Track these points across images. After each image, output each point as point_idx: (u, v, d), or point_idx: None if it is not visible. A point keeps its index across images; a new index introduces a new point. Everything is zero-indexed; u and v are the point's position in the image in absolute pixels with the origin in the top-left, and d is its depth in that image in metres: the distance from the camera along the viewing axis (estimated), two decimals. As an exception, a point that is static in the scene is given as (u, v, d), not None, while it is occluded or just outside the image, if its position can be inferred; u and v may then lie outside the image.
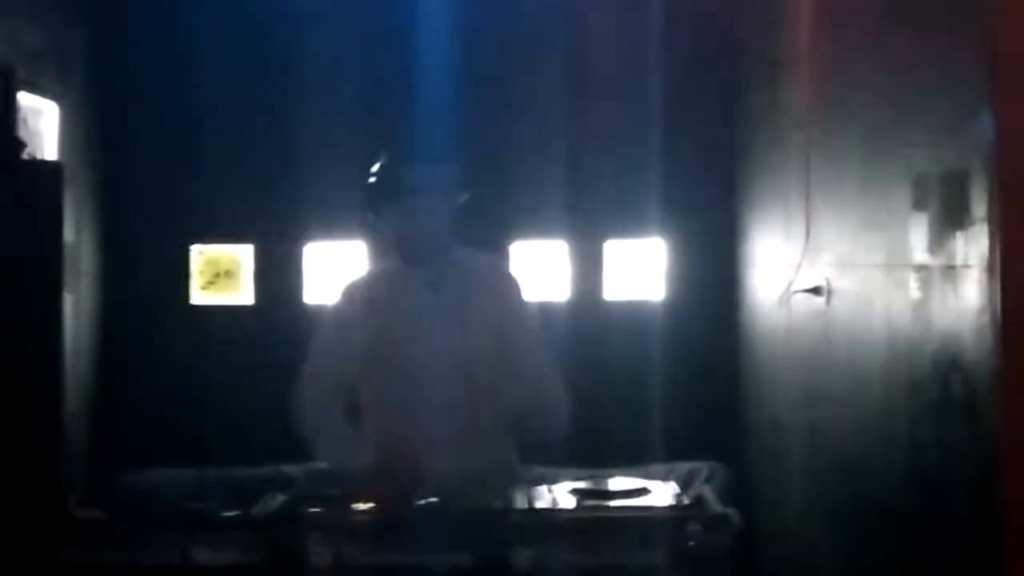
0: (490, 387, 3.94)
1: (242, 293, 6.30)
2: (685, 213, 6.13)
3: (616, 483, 3.75)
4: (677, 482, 4.20)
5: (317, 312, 6.10)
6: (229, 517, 3.53)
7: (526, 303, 4.14)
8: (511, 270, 4.32)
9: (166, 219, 6.19)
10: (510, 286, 4.15)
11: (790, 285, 4.87)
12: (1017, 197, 3.00)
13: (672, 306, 6.17)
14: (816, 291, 4.55)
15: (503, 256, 5.01)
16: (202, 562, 3.39)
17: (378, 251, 5.57)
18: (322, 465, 4.15)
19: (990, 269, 3.02)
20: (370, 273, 4.35)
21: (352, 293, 4.21)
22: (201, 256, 6.29)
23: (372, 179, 4.11)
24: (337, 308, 4.20)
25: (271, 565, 3.40)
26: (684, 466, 5.66)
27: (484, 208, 4.76)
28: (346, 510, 3.55)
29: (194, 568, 3.39)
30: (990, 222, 3.04)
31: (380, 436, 3.97)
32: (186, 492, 4.46)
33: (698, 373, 6.01)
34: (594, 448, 5.37)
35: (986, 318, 3.04)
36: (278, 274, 6.25)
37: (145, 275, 6.18)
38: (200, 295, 6.30)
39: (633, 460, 5.27)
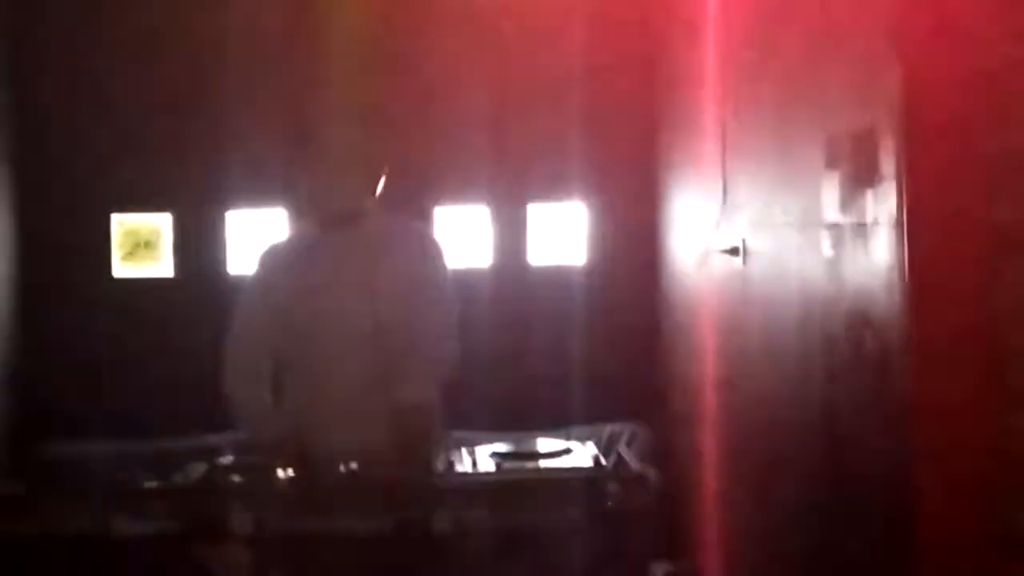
0: (402, 351, 3.92)
1: (162, 263, 6.25)
2: (605, 177, 6.15)
3: (537, 445, 3.78)
4: (599, 444, 4.23)
5: (239, 281, 6.10)
6: (150, 487, 3.52)
7: (439, 266, 4.12)
8: (428, 233, 4.30)
9: (85, 190, 6.12)
10: (424, 249, 4.14)
11: (708, 246, 4.91)
12: (924, 155, 3.05)
13: (593, 269, 6.20)
14: (733, 252, 4.59)
15: (423, 221, 4.98)
16: (123, 532, 3.37)
17: (298, 216, 5.54)
18: (245, 436, 4.13)
19: (898, 226, 3.07)
20: (288, 238, 4.34)
21: (269, 259, 4.19)
22: (121, 227, 6.24)
23: (291, 144, 4.10)
24: (256, 275, 4.19)
25: (192, 533, 3.40)
26: (606, 428, 5.70)
27: (405, 173, 4.77)
28: (266, 478, 3.55)
29: (115, 538, 3.37)
30: (898, 180, 3.08)
31: (294, 407, 3.98)
32: (108, 463, 4.44)
33: (619, 335, 6.05)
34: (517, 412, 5.41)
35: (895, 274, 3.09)
36: (198, 244, 6.21)
37: (66, 247, 6.12)
38: (120, 267, 6.24)
39: (556, 423, 5.31)
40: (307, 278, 4.04)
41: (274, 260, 4.17)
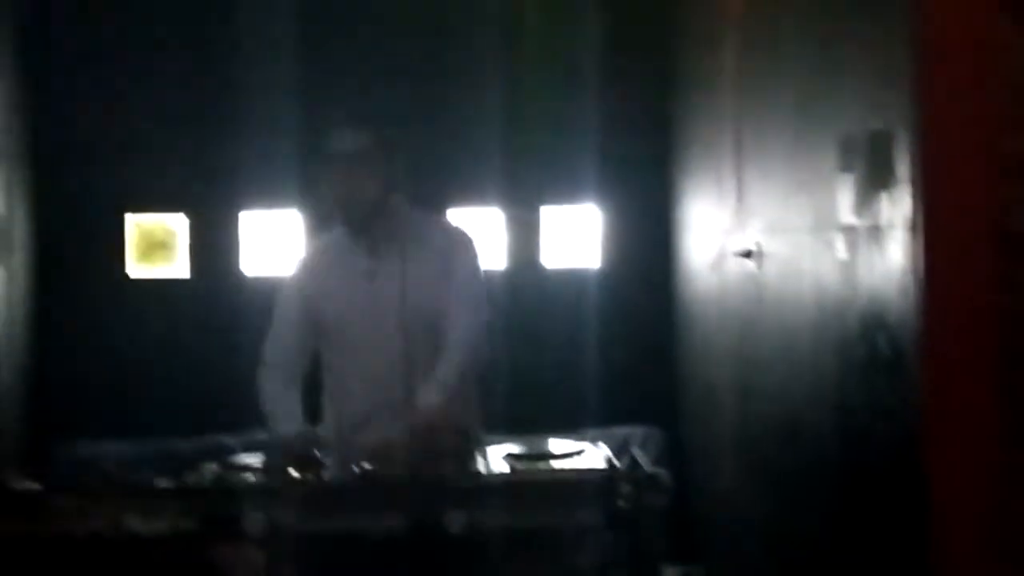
0: (434, 350, 3.94)
1: (177, 264, 6.26)
2: (620, 180, 6.15)
3: (550, 447, 3.77)
4: (613, 447, 4.22)
5: (255, 282, 6.11)
6: (163, 487, 3.52)
7: (470, 259, 4.14)
8: (459, 228, 4.31)
9: (100, 190, 6.14)
10: (454, 243, 4.15)
11: (722, 249, 4.91)
12: (939, 158, 3.05)
13: (607, 272, 6.20)
14: (748, 255, 4.59)
15: (452, 218, 5.00)
16: (136, 531, 3.38)
17: (327, 218, 5.55)
18: (270, 436, 4.15)
19: (913, 229, 3.07)
20: (322, 241, 4.36)
21: (305, 263, 4.25)
22: (136, 228, 6.25)
23: (312, 145, 4.13)
24: (292, 279, 4.23)
25: (205, 533, 3.40)
26: (620, 431, 5.70)
27: (419, 175, 4.77)
28: (280, 478, 3.55)
29: (128, 537, 3.38)
30: (913, 183, 3.08)
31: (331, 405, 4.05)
32: (123, 463, 4.45)
33: (634, 338, 6.05)
34: (531, 414, 5.40)
35: (909, 277, 3.08)
36: (213, 245, 6.22)
37: (81, 248, 6.14)
38: (135, 267, 6.26)
39: (569, 426, 5.30)
40: (337, 279, 4.07)
41: (309, 263, 4.21)
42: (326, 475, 3.63)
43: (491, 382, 4.22)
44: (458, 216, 6.12)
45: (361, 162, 3.99)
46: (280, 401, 4.02)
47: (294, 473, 3.57)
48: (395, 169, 4.07)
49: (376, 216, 4.05)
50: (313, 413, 4.12)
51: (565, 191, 6.22)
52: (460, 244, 4.15)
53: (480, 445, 3.88)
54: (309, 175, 4.15)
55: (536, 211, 6.24)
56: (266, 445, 4.15)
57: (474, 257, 4.14)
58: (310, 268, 4.21)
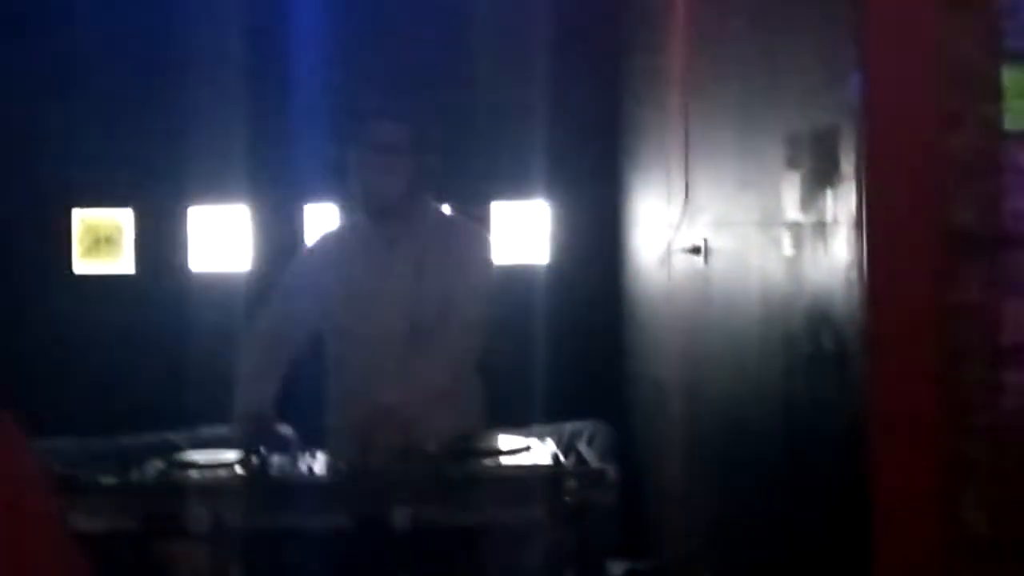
0: (432, 345, 3.95)
1: (123, 260, 6.21)
2: (569, 176, 6.16)
3: (496, 442, 3.77)
4: (560, 442, 4.23)
5: (202, 277, 6.08)
6: (106, 483, 3.49)
7: (484, 261, 4.16)
8: (477, 228, 4.34)
9: (45, 185, 6.08)
10: (471, 243, 4.17)
11: (670, 245, 4.92)
12: (883, 155, 3.06)
13: (556, 267, 6.21)
14: (695, 251, 4.60)
15: (474, 218, 5.00)
16: (79, 528, 3.35)
17: (345, 206, 5.53)
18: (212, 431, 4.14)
19: (857, 225, 3.08)
20: (338, 228, 4.38)
21: (319, 246, 4.28)
22: (81, 222, 6.20)
23: (341, 133, 4.13)
24: (304, 259, 4.25)
25: (149, 530, 3.38)
26: (567, 426, 5.71)
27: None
28: (225, 474, 3.53)
29: (70, 534, 3.34)
30: (857, 179, 3.10)
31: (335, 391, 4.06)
32: (66, 459, 4.42)
33: (582, 333, 6.06)
34: (485, 410, 5.39)
35: (854, 273, 3.10)
36: (160, 240, 6.18)
37: (25, 243, 6.08)
38: (81, 263, 6.20)
39: (517, 421, 5.30)
40: (351, 266, 4.07)
41: (326, 244, 4.25)
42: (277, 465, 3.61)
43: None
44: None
45: (397, 154, 3.99)
46: (254, 384, 4.00)
47: (239, 469, 3.55)
48: (424, 164, 4.08)
49: (401, 209, 4.06)
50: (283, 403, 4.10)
51: (514, 187, 6.22)
52: (476, 244, 4.17)
53: (473, 442, 3.88)
54: (337, 161, 4.13)
55: (485, 207, 6.23)
56: (212, 440, 4.15)
57: (487, 257, 4.15)
58: (325, 252, 4.22)
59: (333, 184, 5.47)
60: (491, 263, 4.20)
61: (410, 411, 3.72)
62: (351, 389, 4.05)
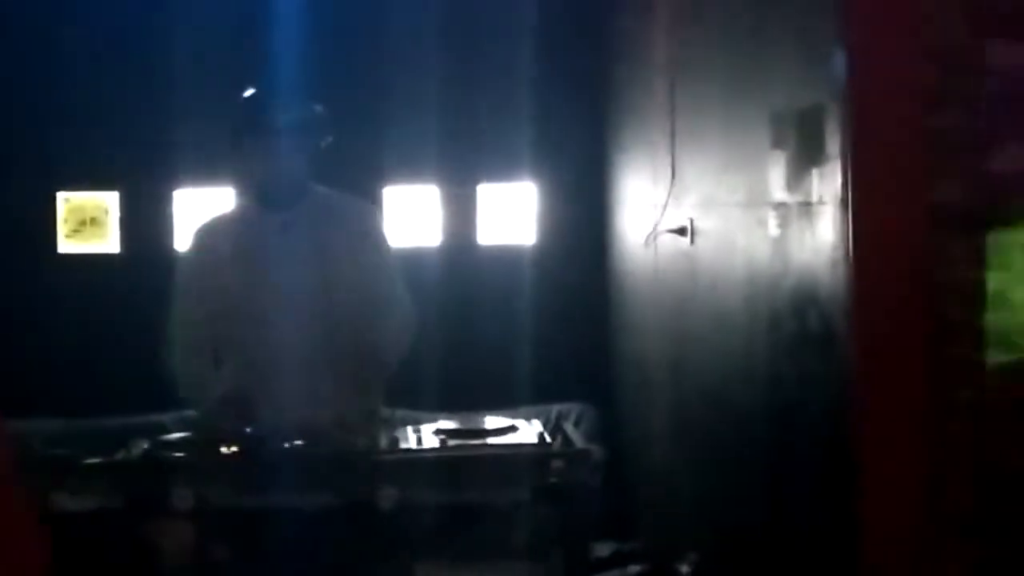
0: (345, 326, 3.91)
1: (108, 241, 6.20)
2: (555, 157, 6.15)
3: (481, 423, 3.76)
4: (546, 424, 4.22)
5: (176, 258, 6.07)
6: (90, 463, 3.48)
7: (380, 235, 4.12)
8: (368, 205, 4.29)
9: (31, 167, 6.06)
10: (364, 220, 4.13)
11: (656, 226, 4.92)
12: (869, 134, 3.07)
13: (542, 248, 6.20)
14: (681, 231, 4.60)
15: (364, 197, 4.95)
16: (64, 508, 3.35)
17: (238, 191, 5.49)
18: (190, 412, 4.12)
19: (843, 204, 3.08)
20: (225, 215, 4.30)
21: (204, 236, 4.16)
22: (66, 203, 6.18)
23: (234, 116, 4.06)
24: (193, 250, 4.16)
25: (133, 510, 3.37)
26: (554, 407, 5.71)
27: (355, 152, 4.74)
28: (209, 454, 3.52)
29: (55, 514, 3.34)
30: (843, 159, 3.10)
31: (237, 382, 3.99)
32: (52, 440, 4.40)
33: (568, 314, 6.06)
34: (465, 391, 5.39)
35: (840, 252, 3.10)
36: (146, 222, 6.16)
37: (11, 224, 6.06)
38: (66, 243, 6.18)
39: (503, 403, 5.29)
40: (249, 253, 4.02)
41: (212, 235, 4.14)
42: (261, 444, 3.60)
43: (416, 360, 4.19)
44: (394, 194, 6.11)
45: (292, 137, 3.94)
46: (195, 374, 4.01)
47: (224, 448, 3.54)
48: (317, 147, 4.03)
49: (291, 193, 4.01)
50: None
51: (501, 168, 6.21)
52: (370, 220, 4.14)
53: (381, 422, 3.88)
54: (232, 145, 4.06)
55: (472, 188, 6.22)
56: (196, 421, 4.14)
57: (382, 233, 4.14)
58: (215, 241, 4.11)
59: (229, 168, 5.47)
60: (387, 240, 4.14)
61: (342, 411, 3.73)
62: (254, 380, 3.96)
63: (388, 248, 4.14)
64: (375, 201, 5.70)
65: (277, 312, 3.95)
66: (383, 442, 3.59)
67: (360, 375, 3.95)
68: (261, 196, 4.05)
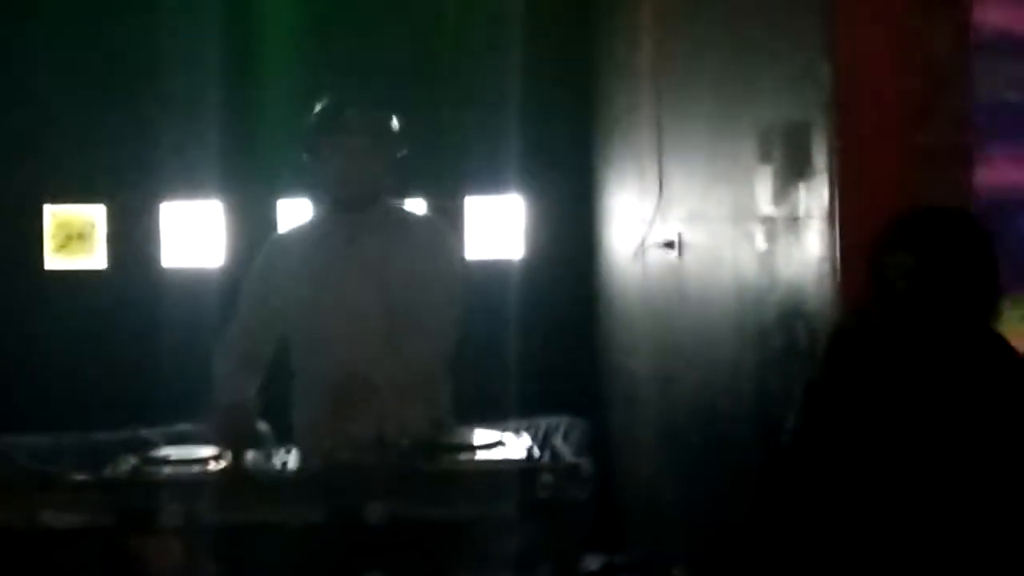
0: (403, 340, 3.91)
1: (95, 256, 6.18)
2: (543, 170, 6.16)
3: (470, 437, 3.76)
4: (535, 437, 4.22)
5: (176, 273, 6.06)
6: (79, 479, 3.48)
7: (454, 257, 4.13)
8: (444, 224, 4.29)
9: (17, 180, 6.05)
10: (439, 237, 4.13)
11: (644, 239, 4.93)
12: (855, 148, 3.08)
13: (531, 262, 6.20)
14: (669, 245, 4.61)
15: (439, 216, 4.95)
16: (51, 524, 3.34)
17: (311, 197, 5.48)
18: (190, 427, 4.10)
19: (830, 219, 3.09)
20: (298, 227, 4.32)
21: (279, 243, 4.20)
22: (54, 218, 6.17)
23: (311, 119, 4.07)
24: (263, 263, 4.17)
25: (122, 526, 3.36)
26: (543, 421, 5.71)
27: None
28: (198, 470, 3.51)
29: (43, 530, 3.33)
30: (829, 173, 3.11)
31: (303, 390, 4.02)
32: (40, 456, 4.39)
33: (556, 328, 6.06)
34: (453, 405, 5.38)
35: (827, 267, 3.11)
36: (132, 236, 6.15)
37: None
38: (52, 258, 6.17)
39: (492, 416, 5.29)
40: (319, 261, 4.02)
41: (284, 244, 4.18)
42: (250, 461, 3.59)
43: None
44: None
45: (371, 146, 3.96)
46: (233, 380, 3.95)
47: (213, 465, 3.53)
48: (394, 157, 4.05)
49: (368, 198, 4.02)
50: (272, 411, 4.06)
51: (489, 181, 6.21)
52: (440, 239, 4.14)
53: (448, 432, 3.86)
54: (306, 148, 4.07)
55: (459, 201, 6.22)
56: (187, 435, 4.13)
57: (458, 256, 4.14)
58: (284, 253, 4.14)
59: (305, 177, 5.46)
60: (459, 259, 4.16)
61: (382, 404, 3.69)
62: (322, 385, 4.00)
63: (456, 269, 4.13)
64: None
65: (339, 319, 3.97)
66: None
67: (419, 386, 3.94)
68: (334, 200, 4.06)
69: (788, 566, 2.93)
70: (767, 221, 3.56)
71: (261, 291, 4.11)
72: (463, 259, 4.18)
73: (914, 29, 3.04)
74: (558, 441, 3.92)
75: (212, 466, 3.52)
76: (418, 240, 4.07)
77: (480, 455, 3.57)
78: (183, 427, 5.28)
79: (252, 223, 5.94)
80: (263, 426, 3.91)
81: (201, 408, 4.04)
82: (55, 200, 6.16)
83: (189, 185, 6.07)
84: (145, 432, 5.54)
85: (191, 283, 5.97)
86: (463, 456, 3.58)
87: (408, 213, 4.22)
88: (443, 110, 6.05)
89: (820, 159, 3.17)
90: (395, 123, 4.06)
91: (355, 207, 4.03)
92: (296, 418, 4.10)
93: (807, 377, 3.26)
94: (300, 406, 4.10)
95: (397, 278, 3.98)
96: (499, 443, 3.66)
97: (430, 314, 3.97)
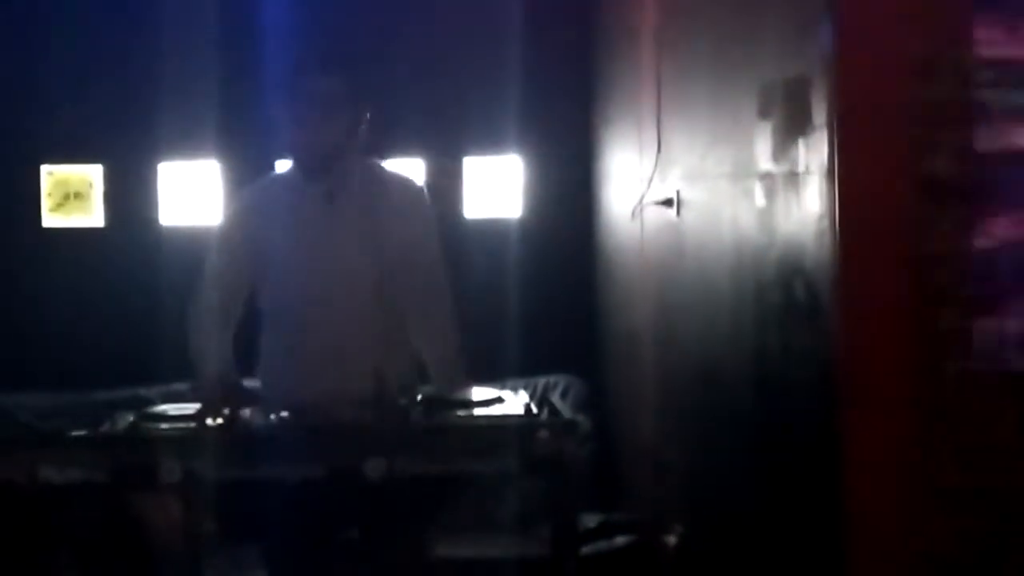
0: (381, 300, 3.89)
1: (93, 215, 6.18)
2: (542, 130, 6.14)
3: (468, 393, 3.76)
4: (533, 395, 4.22)
5: (174, 231, 6.06)
6: (77, 436, 3.47)
7: (427, 214, 4.10)
8: (413, 180, 4.26)
9: (15, 140, 6.04)
10: (410, 195, 4.10)
11: (643, 198, 4.92)
12: (855, 104, 3.06)
13: (529, 221, 6.20)
14: (668, 203, 4.60)
15: (411, 174, 4.92)
16: (49, 480, 3.34)
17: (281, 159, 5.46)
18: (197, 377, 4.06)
19: (829, 174, 3.08)
20: (268, 180, 4.27)
21: (248, 202, 4.13)
22: (50, 177, 6.16)
23: (279, 87, 4.03)
24: (232, 220, 4.11)
25: (120, 482, 3.36)
26: (541, 379, 5.72)
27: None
28: (196, 426, 3.51)
29: (41, 486, 3.33)
30: (829, 129, 3.09)
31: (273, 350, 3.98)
32: (38, 413, 4.39)
33: (555, 287, 6.06)
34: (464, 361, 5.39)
35: (826, 223, 3.10)
36: (130, 195, 6.15)
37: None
38: (50, 217, 6.16)
39: (491, 374, 5.29)
40: (286, 220, 3.98)
41: (255, 199, 4.11)
42: (248, 417, 3.58)
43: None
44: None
45: (330, 105, 3.91)
46: (211, 343, 3.93)
47: (218, 417, 3.52)
48: (358, 115, 4.00)
49: (336, 160, 3.97)
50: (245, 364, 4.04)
51: (488, 141, 6.20)
52: (414, 196, 4.10)
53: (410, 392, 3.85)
54: (274, 114, 4.03)
55: (459, 161, 6.21)
56: (185, 394, 4.11)
57: (428, 210, 4.10)
58: (255, 209, 4.06)
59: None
60: (432, 218, 4.11)
61: (378, 361, 3.68)
62: (291, 353, 3.94)
63: (433, 226, 4.11)
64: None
65: (307, 281, 3.93)
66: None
67: (401, 343, 3.92)
68: (299, 164, 4.02)
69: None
70: (766, 177, 3.55)
71: (233, 249, 4.05)
72: (433, 216, 4.13)
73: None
74: (556, 399, 3.91)
75: (209, 422, 3.51)
76: (390, 199, 4.02)
77: (478, 411, 3.57)
78: (181, 386, 5.27)
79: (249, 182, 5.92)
80: (253, 384, 3.89)
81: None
82: (52, 160, 6.15)
83: (187, 145, 6.05)
84: (142, 390, 5.56)
85: (189, 241, 5.97)
86: (462, 412, 3.58)
87: (378, 169, 4.14)
88: (441, 70, 6.04)
89: (820, 115, 3.15)
90: (349, 86, 3.99)
91: (317, 169, 3.98)
92: (265, 374, 4.05)
93: (806, 333, 3.27)
94: (271, 358, 4.03)
95: (372, 239, 3.94)
96: (497, 399, 3.66)
97: (416, 267, 3.95)
